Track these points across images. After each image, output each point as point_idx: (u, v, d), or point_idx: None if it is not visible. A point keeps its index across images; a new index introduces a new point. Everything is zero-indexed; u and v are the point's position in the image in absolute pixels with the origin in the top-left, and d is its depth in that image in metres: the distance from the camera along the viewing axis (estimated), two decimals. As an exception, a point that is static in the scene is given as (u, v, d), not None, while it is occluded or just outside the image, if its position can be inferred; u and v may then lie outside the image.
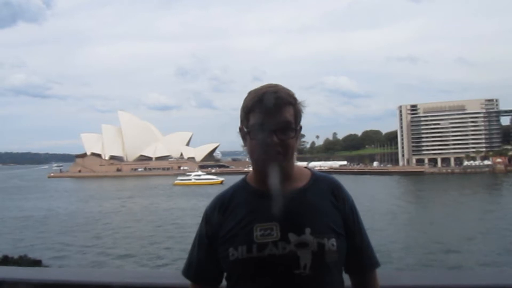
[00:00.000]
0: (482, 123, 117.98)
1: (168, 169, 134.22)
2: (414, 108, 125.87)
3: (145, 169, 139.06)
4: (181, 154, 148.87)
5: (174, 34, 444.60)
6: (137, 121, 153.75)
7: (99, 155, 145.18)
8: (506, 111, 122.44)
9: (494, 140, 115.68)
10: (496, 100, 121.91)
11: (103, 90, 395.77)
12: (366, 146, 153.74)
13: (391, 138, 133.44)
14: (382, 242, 21.69)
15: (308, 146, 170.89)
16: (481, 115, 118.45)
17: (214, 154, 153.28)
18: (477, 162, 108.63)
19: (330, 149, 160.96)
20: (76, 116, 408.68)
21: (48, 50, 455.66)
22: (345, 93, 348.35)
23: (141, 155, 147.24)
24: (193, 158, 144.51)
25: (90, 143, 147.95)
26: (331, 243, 1.26)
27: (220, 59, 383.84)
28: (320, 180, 1.38)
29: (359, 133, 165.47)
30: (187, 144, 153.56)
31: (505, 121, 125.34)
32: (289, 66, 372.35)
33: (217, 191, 1.51)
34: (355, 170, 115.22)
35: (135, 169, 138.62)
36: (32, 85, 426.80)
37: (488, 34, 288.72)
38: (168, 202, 51.63)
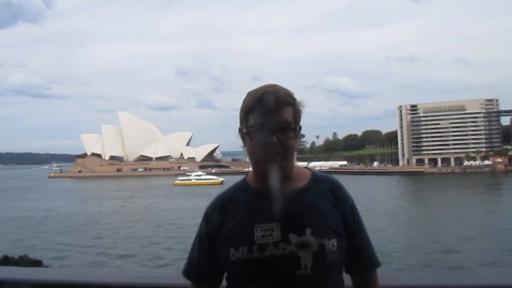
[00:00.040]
0: (482, 123, 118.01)
1: (168, 169, 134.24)
2: (414, 108, 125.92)
3: (145, 169, 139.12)
4: (181, 154, 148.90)
5: (174, 34, 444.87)
6: (137, 121, 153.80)
7: (99, 155, 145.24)
8: (506, 111, 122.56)
9: (494, 140, 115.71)
10: (496, 100, 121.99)
11: (103, 90, 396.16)
12: (366, 146, 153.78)
13: (391, 138, 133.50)
14: (382, 242, 21.72)
15: (308, 146, 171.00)
16: (481, 115, 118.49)
17: (214, 154, 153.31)
18: (477, 162, 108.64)
19: (330, 149, 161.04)
20: (76, 116, 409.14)
21: (48, 50, 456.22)
22: (345, 93, 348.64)
23: (141, 155, 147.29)
24: (193, 158, 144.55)
25: (90, 143, 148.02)
26: (332, 243, 1.26)
27: (220, 59, 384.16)
28: (320, 180, 1.38)
29: (359, 133, 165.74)
30: (187, 144, 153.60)
31: (505, 121, 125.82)
32: (289, 66, 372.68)
33: (217, 191, 1.51)
34: (355, 170, 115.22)
35: (135, 169, 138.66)
36: (32, 85, 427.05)
37: (488, 34, 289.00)
38: (168, 202, 51.64)
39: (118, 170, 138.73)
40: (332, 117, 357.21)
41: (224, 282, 1.38)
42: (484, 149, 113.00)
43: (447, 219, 32.62)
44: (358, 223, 1.37)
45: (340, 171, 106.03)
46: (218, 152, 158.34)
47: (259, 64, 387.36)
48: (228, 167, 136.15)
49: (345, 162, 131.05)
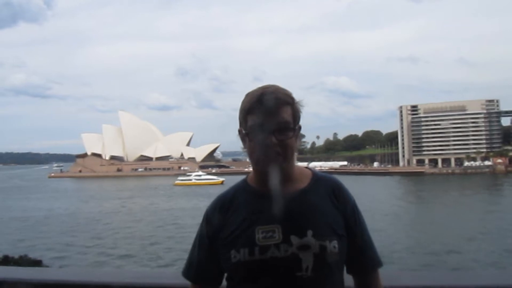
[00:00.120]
0: (483, 124, 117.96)
1: (168, 169, 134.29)
2: (414, 108, 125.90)
3: (145, 169, 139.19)
4: (182, 154, 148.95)
5: (174, 34, 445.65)
6: (138, 121, 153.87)
7: (99, 155, 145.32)
8: (506, 112, 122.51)
9: (494, 141, 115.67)
10: (497, 101, 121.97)
11: (103, 90, 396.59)
12: (367, 146, 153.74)
13: (392, 138, 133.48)
14: (383, 243, 21.69)
15: (308, 146, 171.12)
16: (482, 115, 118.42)
17: (215, 154, 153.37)
18: (477, 163, 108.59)
19: (331, 149, 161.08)
20: (76, 116, 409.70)
21: (49, 50, 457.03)
22: (345, 93, 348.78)
23: (142, 155, 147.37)
24: (193, 158, 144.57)
25: (90, 143, 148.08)
26: (333, 245, 1.26)
27: (220, 59, 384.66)
28: (321, 180, 1.38)
29: (360, 134, 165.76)
30: (188, 144, 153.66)
31: (505, 121, 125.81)
32: (289, 66, 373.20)
33: (217, 191, 1.50)
34: (356, 171, 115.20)
35: (136, 169, 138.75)
36: (32, 85, 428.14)
37: (488, 34, 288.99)
38: (169, 202, 51.66)
39: (119, 170, 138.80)
40: (332, 117, 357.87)
41: (224, 282, 1.38)
42: (484, 150, 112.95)
43: (448, 220, 32.62)
44: (360, 224, 1.37)
45: (340, 172, 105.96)
46: (219, 152, 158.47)
47: (259, 64, 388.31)
48: (228, 167, 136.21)
49: (345, 163, 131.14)
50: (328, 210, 1.31)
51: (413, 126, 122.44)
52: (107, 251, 24.85)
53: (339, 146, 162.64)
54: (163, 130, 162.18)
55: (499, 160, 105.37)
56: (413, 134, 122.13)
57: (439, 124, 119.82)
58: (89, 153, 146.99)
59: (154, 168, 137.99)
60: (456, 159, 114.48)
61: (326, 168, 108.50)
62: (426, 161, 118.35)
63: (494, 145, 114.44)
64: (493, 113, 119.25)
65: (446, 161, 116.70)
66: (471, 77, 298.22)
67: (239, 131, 1.33)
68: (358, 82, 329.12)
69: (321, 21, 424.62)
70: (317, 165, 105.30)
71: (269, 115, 1.24)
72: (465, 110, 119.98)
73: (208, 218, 1.37)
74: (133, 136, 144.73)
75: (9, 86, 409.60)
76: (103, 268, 19.62)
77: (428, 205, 45.70)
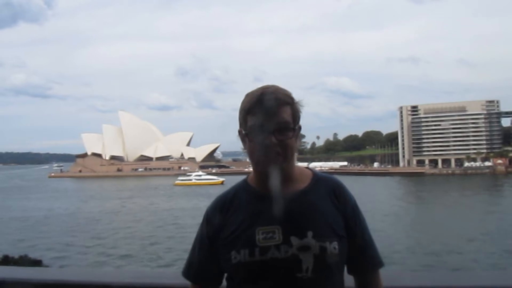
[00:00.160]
0: (483, 124, 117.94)
1: (168, 169, 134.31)
2: (414, 109, 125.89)
3: (145, 169, 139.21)
4: (182, 154, 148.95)
5: (174, 34, 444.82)
6: (138, 121, 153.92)
7: (99, 155, 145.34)
8: (507, 113, 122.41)
9: (494, 142, 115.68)
10: (497, 102, 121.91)
11: (103, 90, 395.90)
12: (367, 146, 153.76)
13: (392, 139, 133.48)
14: (383, 243, 21.67)
15: (308, 146, 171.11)
16: (482, 116, 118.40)
17: (215, 154, 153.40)
18: (477, 163, 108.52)
19: (331, 149, 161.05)
20: (76, 116, 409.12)
21: (49, 50, 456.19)
22: (345, 93, 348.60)
23: (142, 155, 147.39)
24: (193, 158, 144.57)
25: (90, 143, 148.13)
26: (333, 246, 1.26)
27: (221, 59, 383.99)
28: (321, 180, 1.37)
29: (360, 134, 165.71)
30: (188, 144, 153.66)
31: (506, 122, 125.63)
32: (290, 66, 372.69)
33: (217, 191, 1.50)
34: (356, 171, 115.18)
35: (136, 169, 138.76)
36: (33, 85, 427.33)
37: (488, 34, 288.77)
38: (169, 202, 51.68)
39: (119, 170, 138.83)
40: (332, 117, 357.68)
41: (224, 282, 1.38)
42: (484, 150, 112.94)
43: (448, 220, 32.61)
44: (360, 224, 1.37)
45: (340, 172, 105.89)
46: (219, 152, 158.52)
47: (259, 64, 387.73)
48: (228, 167, 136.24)
49: (345, 163, 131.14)
50: (328, 210, 1.31)
51: (413, 126, 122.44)
52: (107, 251, 24.85)
53: (339, 146, 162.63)
54: (163, 130, 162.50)
55: (499, 161, 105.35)
56: (413, 135, 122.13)
57: (439, 125, 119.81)
58: (89, 153, 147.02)
59: (154, 168, 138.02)
60: (456, 160, 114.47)
61: (326, 169, 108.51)
62: (426, 162, 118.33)
63: (494, 146, 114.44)
64: (493, 114, 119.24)
65: (446, 162, 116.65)
66: (471, 78, 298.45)
67: (239, 132, 1.32)
68: (358, 82, 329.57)
69: (321, 21, 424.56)
70: (317, 165, 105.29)
71: (269, 115, 1.24)
72: (465, 110, 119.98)
73: (208, 218, 1.37)
74: (133, 136, 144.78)
75: (9, 86, 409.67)
76: (103, 268, 19.62)
77: (428, 205, 45.69)
